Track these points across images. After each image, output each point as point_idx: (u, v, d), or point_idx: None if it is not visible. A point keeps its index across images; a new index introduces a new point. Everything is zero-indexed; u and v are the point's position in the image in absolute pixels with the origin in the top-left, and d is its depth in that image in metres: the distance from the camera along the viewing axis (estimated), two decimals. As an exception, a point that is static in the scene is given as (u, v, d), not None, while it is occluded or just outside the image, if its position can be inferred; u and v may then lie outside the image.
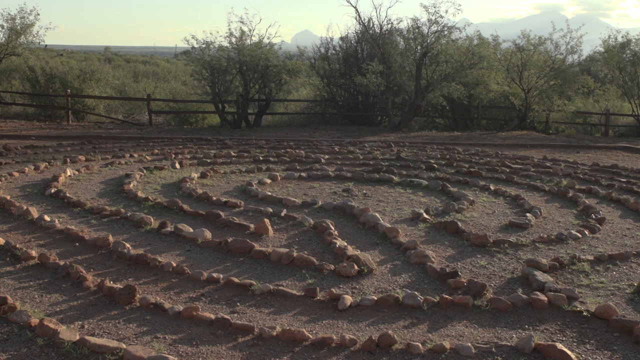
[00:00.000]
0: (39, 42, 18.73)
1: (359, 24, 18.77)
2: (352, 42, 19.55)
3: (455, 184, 8.04)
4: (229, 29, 18.74)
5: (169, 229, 5.37)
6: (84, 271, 4.19)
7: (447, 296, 3.87)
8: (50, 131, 13.71)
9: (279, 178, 8.09)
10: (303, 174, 8.32)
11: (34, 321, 3.37)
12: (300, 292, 3.98)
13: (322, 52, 19.72)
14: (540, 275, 4.26)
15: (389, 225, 5.55)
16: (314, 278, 4.31)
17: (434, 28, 16.38)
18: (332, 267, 4.46)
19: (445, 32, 16.52)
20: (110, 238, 4.93)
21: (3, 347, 3.15)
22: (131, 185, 7.26)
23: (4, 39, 17.71)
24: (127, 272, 4.37)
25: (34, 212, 5.77)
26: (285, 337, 3.30)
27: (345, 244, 4.98)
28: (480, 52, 16.43)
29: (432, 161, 9.74)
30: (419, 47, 16.77)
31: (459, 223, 5.63)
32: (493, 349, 3.24)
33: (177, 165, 8.87)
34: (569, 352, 3.14)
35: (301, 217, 5.85)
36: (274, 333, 3.33)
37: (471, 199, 6.90)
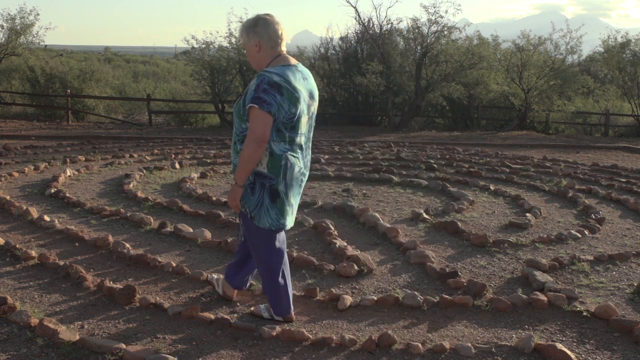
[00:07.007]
0: (39, 42, 18.77)
1: (359, 24, 18.79)
2: (352, 42, 19.56)
3: (455, 184, 8.04)
4: (229, 29, 18.75)
5: (168, 229, 5.37)
6: (83, 271, 4.19)
7: (447, 296, 3.87)
8: (50, 131, 13.71)
9: (279, 178, 8.08)
10: (303, 174, 8.31)
11: (34, 321, 3.37)
12: (300, 292, 3.98)
13: (321, 52, 19.74)
14: (540, 275, 4.26)
15: (388, 225, 5.55)
16: (313, 278, 4.31)
17: (433, 28, 16.41)
18: (332, 267, 4.46)
19: (445, 32, 16.55)
20: (110, 238, 4.93)
21: (3, 347, 3.15)
22: (131, 185, 7.26)
23: (4, 39, 17.74)
24: (127, 272, 4.37)
25: (34, 212, 5.77)
26: (285, 337, 3.30)
27: (345, 244, 4.98)
28: (480, 52, 16.45)
29: (432, 161, 9.73)
30: (418, 47, 16.80)
31: (459, 223, 5.63)
32: (493, 349, 3.24)
33: (177, 165, 8.87)
34: (569, 352, 3.14)
35: (301, 217, 5.85)
36: (274, 333, 3.33)
37: (471, 199, 6.89)
